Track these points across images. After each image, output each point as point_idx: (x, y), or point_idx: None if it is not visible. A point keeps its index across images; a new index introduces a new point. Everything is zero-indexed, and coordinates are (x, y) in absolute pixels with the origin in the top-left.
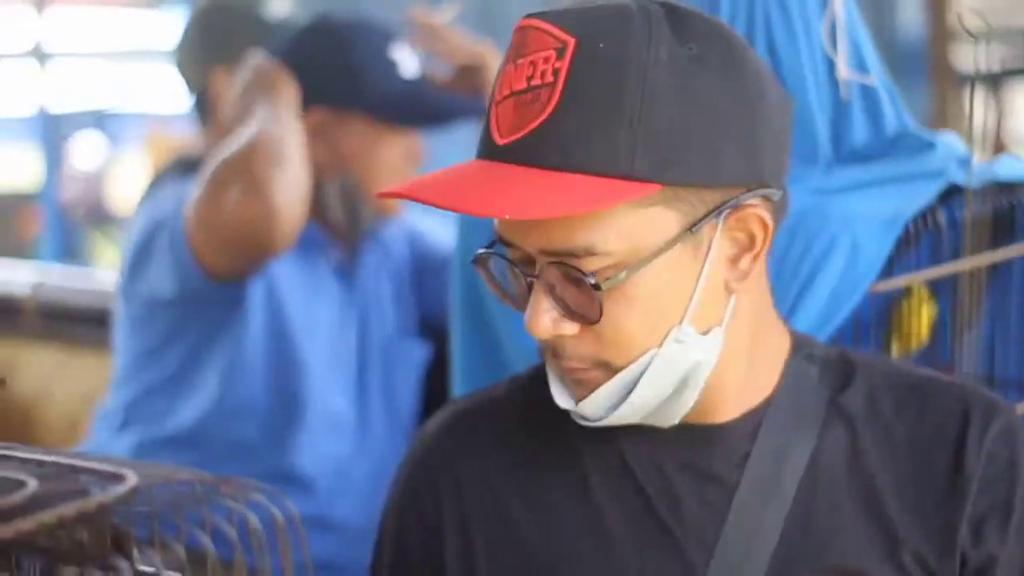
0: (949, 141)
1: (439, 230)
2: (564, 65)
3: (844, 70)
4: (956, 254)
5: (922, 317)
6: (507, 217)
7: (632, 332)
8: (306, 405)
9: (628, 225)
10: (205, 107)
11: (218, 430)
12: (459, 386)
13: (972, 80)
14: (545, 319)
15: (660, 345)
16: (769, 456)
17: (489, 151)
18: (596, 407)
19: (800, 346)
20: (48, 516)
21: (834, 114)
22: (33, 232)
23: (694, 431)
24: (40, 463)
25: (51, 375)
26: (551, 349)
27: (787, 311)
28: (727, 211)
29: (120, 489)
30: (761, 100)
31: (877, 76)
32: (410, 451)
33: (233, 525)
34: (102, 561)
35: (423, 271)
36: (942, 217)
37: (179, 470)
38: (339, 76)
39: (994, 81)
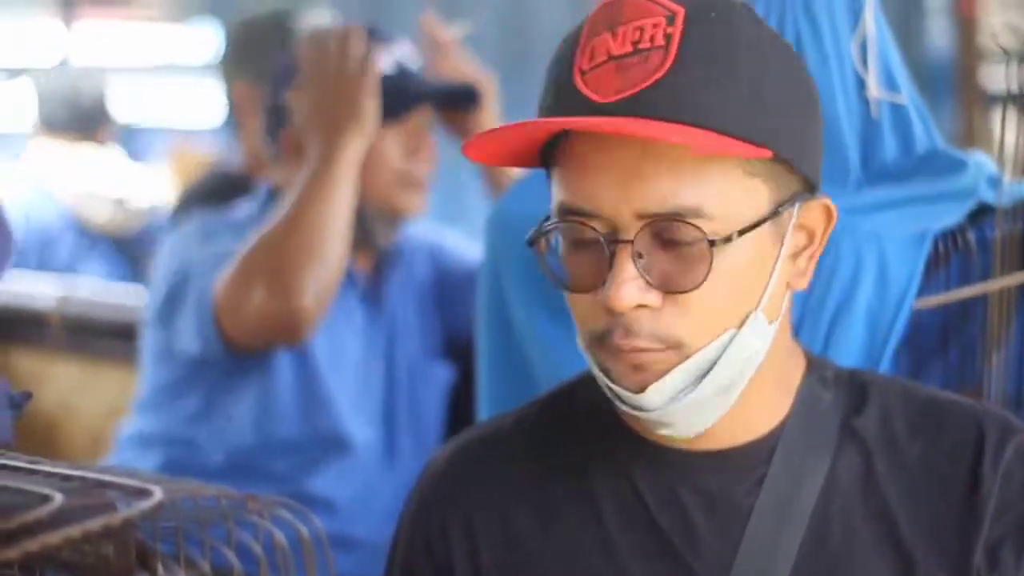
0: (980, 160)
1: (463, 244)
2: (676, 31)
3: (875, 89)
4: (986, 274)
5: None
6: (674, 140)
7: (718, 307)
8: (332, 440)
9: (731, 192)
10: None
11: (245, 464)
12: (485, 407)
13: (1004, 99)
14: (631, 287)
15: (739, 327)
16: (783, 481)
17: (589, 110)
18: (663, 394)
19: (813, 368)
20: (74, 531)
21: (864, 133)
22: None
23: (707, 456)
24: (66, 477)
25: (75, 389)
26: (622, 327)
27: (824, 333)
28: (803, 200)
29: (146, 504)
30: (818, 104)
31: (907, 95)
32: (418, 484)
33: (259, 542)
34: None
35: (447, 288)
36: (971, 237)
37: (205, 486)
38: None
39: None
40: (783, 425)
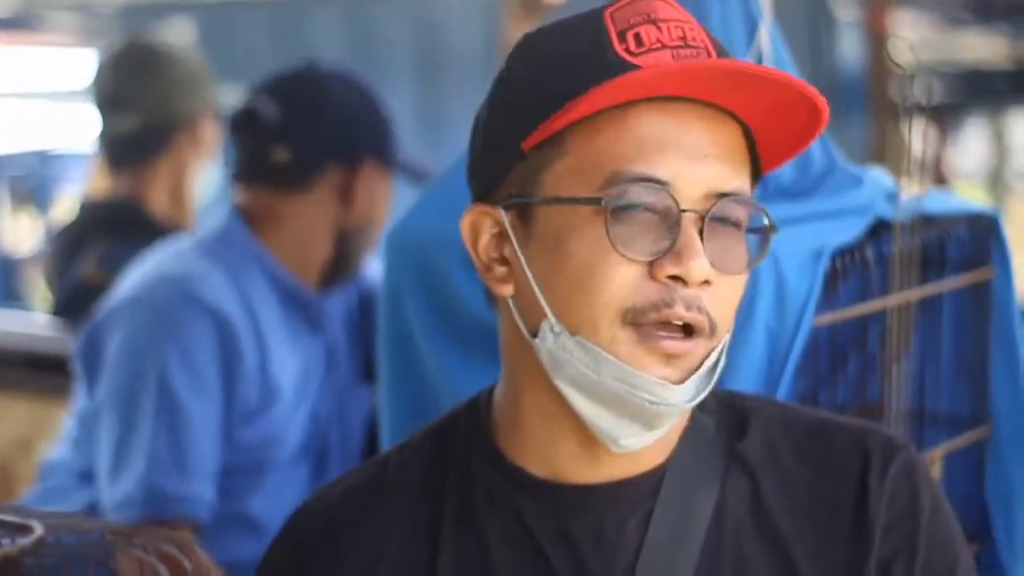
0: (877, 176)
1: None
2: (706, 37)
3: None
4: (884, 290)
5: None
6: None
7: (736, 300)
8: (274, 459)
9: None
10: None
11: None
12: (387, 431)
13: (908, 112)
14: (705, 260)
15: (729, 330)
16: (673, 512)
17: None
18: (693, 389)
19: None
20: None
21: None
22: None
23: (597, 489)
24: None
25: None
26: (684, 300)
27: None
28: None
29: (25, 540)
30: None
31: None
32: (288, 527)
33: None
34: None
35: (369, 309)
36: (870, 252)
37: (89, 520)
38: (379, 126)
39: (933, 114)
40: (671, 457)
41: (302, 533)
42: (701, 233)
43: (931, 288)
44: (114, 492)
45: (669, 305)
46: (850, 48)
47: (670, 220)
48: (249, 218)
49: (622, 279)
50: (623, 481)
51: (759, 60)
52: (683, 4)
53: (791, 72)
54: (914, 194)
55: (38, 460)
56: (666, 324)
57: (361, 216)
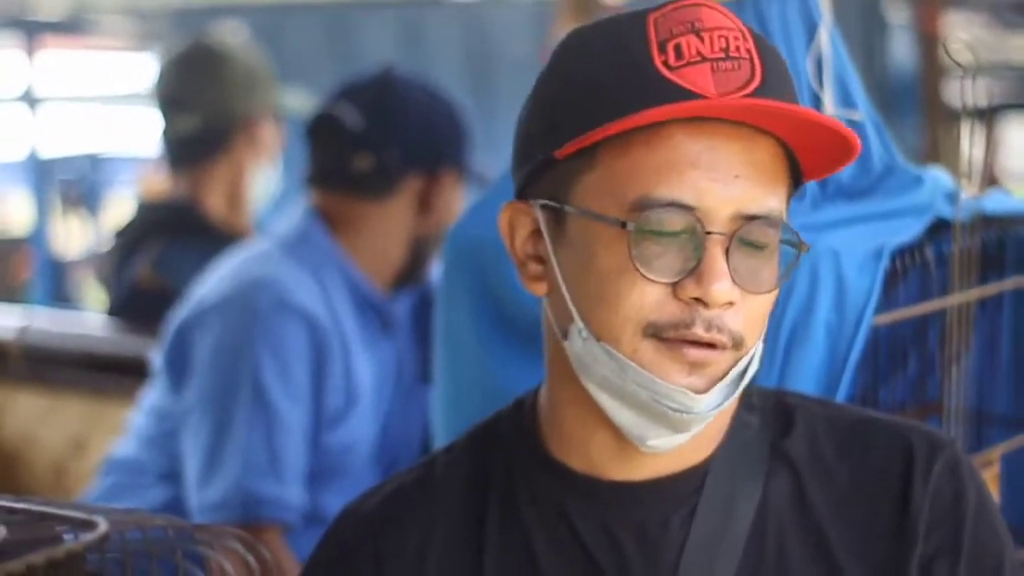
0: (937, 176)
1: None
2: (752, 47)
3: (830, 106)
4: (944, 290)
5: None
6: (844, 130)
7: (764, 315)
8: (352, 462)
9: (785, 210)
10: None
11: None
12: (441, 429)
13: (962, 115)
14: (727, 282)
15: (759, 341)
16: (717, 509)
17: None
18: (718, 396)
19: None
20: (16, 565)
21: None
22: (24, 276)
23: (640, 487)
24: (10, 511)
25: (37, 420)
26: (705, 321)
27: (783, 352)
28: None
29: (90, 536)
30: None
31: (864, 111)
32: (334, 529)
33: (208, 572)
34: None
35: (430, 314)
36: (930, 252)
37: (153, 516)
38: (457, 135)
39: (986, 116)
40: (714, 454)
41: (347, 533)
42: (728, 253)
43: (991, 288)
44: (207, 494)
45: (688, 325)
46: (902, 50)
47: (696, 241)
48: (327, 221)
49: (645, 297)
50: (665, 478)
51: (819, 62)
52: (744, 6)
53: (851, 72)
54: (974, 194)
55: (94, 458)
56: (688, 340)
57: (437, 223)
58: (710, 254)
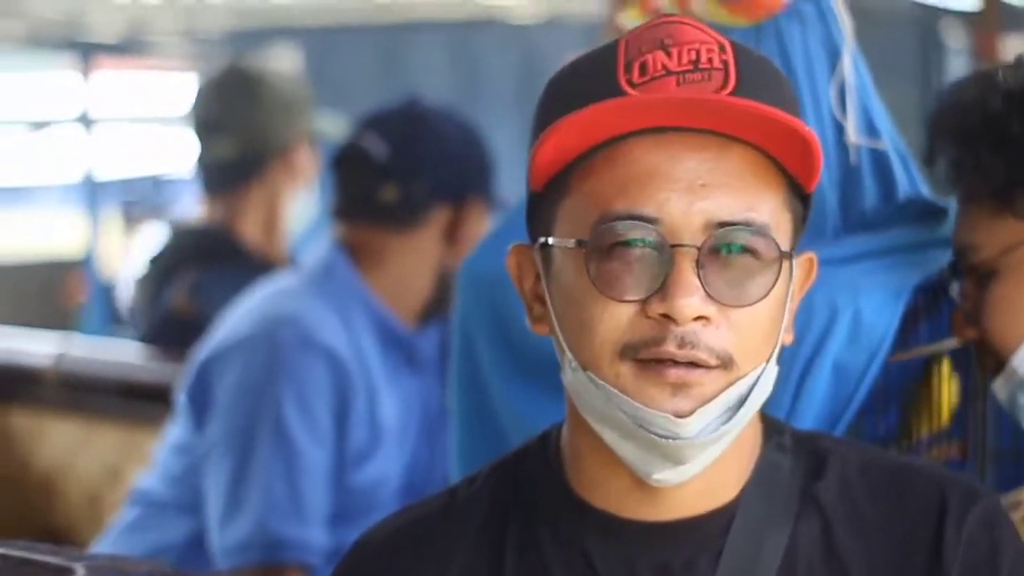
0: None
1: None
2: (729, 58)
3: (853, 134)
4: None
5: (944, 392)
6: (799, 126)
7: (763, 332)
8: (380, 500)
9: (778, 219)
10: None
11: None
12: (457, 466)
13: None
14: (696, 297)
15: (767, 360)
16: (743, 553)
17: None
18: (705, 420)
19: (771, 433)
20: None
21: (843, 180)
22: (79, 299)
23: (665, 527)
24: None
25: (72, 449)
26: (677, 338)
27: (795, 386)
28: (799, 252)
29: None
30: None
31: (888, 141)
32: (347, 561)
33: None
34: None
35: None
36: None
37: (138, 562)
38: (484, 165)
39: None
40: (741, 495)
41: (362, 563)
42: (701, 265)
43: None
44: (228, 536)
45: (659, 343)
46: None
47: (664, 256)
48: (352, 254)
49: (616, 318)
50: (691, 519)
51: (841, 88)
52: (764, 32)
53: (875, 100)
54: None
55: (129, 487)
56: (663, 360)
57: (465, 255)
58: (677, 268)
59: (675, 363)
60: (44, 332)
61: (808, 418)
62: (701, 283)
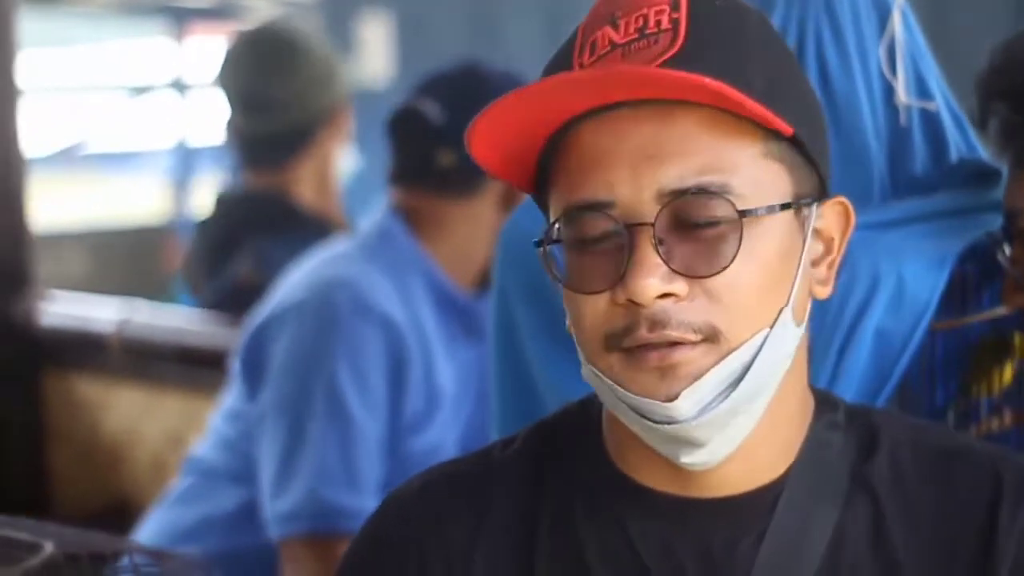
0: None
1: None
2: (682, 15)
3: (903, 95)
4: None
5: (999, 361)
6: (710, 86)
7: (751, 297)
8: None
9: (753, 172)
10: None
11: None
12: (496, 431)
13: None
14: (655, 276)
15: (772, 325)
16: (788, 534)
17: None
18: (696, 400)
19: (823, 409)
20: None
21: (892, 142)
22: (174, 267)
23: (707, 504)
24: None
25: (138, 415)
26: (647, 320)
27: (836, 355)
28: (820, 201)
29: (33, 561)
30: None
31: (941, 101)
32: (375, 518)
33: None
34: None
35: None
36: (1006, 251)
37: (114, 540)
38: None
39: None
40: (788, 474)
41: (391, 520)
42: (659, 240)
43: None
44: (280, 503)
45: (633, 330)
46: None
47: (624, 239)
48: (409, 220)
49: (594, 312)
50: (734, 497)
51: (891, 48)
52: None
53: (927, 59)
54: None
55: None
56: (644, 346)
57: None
58: (637, 246)
59: (655, 346)
60: (105, 298)
61: (851, 387)
62: (663, 259)
